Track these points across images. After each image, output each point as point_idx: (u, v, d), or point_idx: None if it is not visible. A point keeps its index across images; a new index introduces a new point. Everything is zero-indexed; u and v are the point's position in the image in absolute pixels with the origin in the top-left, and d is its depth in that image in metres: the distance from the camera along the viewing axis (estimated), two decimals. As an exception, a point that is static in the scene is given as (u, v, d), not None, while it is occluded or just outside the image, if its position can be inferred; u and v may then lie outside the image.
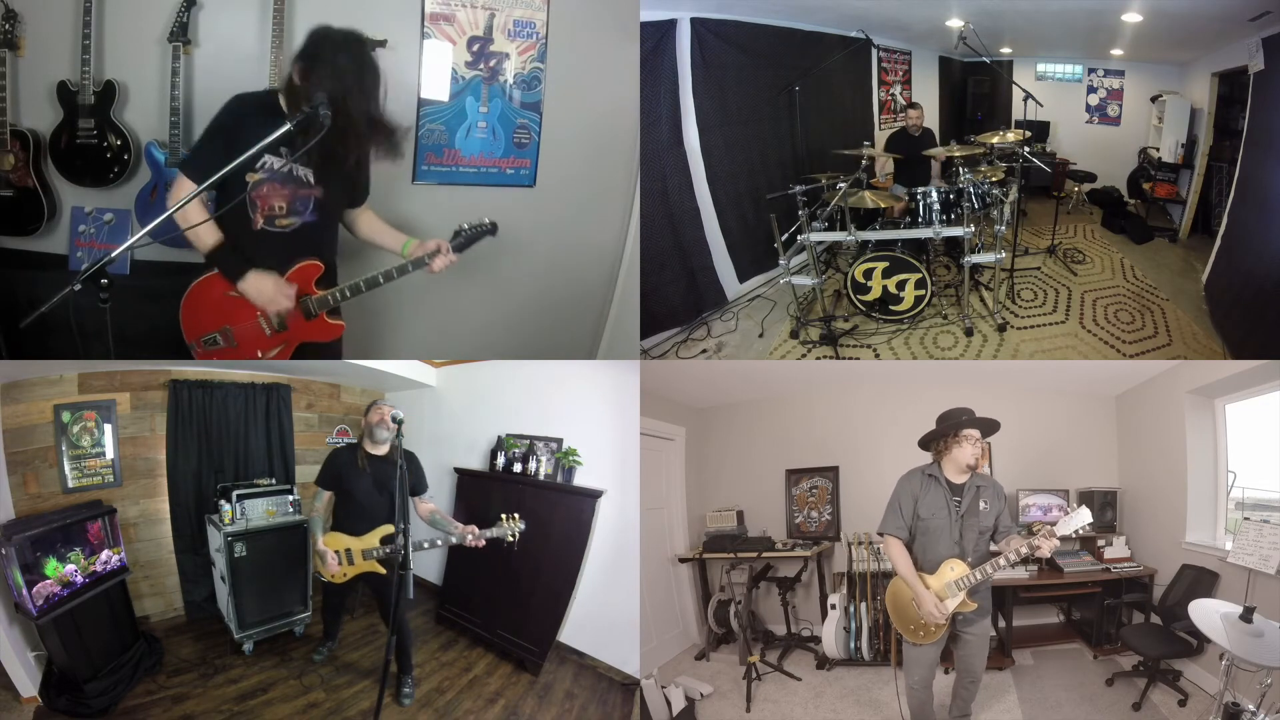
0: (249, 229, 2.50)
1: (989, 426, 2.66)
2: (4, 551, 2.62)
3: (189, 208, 2.30)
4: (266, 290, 2.49)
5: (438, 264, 2.64)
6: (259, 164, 2.42)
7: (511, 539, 3.08)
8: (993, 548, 2.68)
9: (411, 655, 3.26)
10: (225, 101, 2.46)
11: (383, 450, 3.19)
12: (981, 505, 2.63)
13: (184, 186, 2.43)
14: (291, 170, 2.49)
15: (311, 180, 2.53)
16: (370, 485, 3.12)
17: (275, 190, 2.49)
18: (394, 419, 2.79)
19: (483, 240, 2.71)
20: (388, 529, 3.07)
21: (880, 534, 2.76)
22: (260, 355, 2.65)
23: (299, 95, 2.32)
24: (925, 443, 2.76)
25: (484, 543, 3.03)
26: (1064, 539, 2.46)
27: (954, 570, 2.58)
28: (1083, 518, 2.43)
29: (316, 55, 2.32)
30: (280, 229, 2.54)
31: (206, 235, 2.43)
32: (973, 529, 2.62)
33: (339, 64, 2.31)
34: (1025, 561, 3.89)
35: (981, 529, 2.63)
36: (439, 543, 3.09)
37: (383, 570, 3.08)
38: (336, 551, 3.10)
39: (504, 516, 3.09)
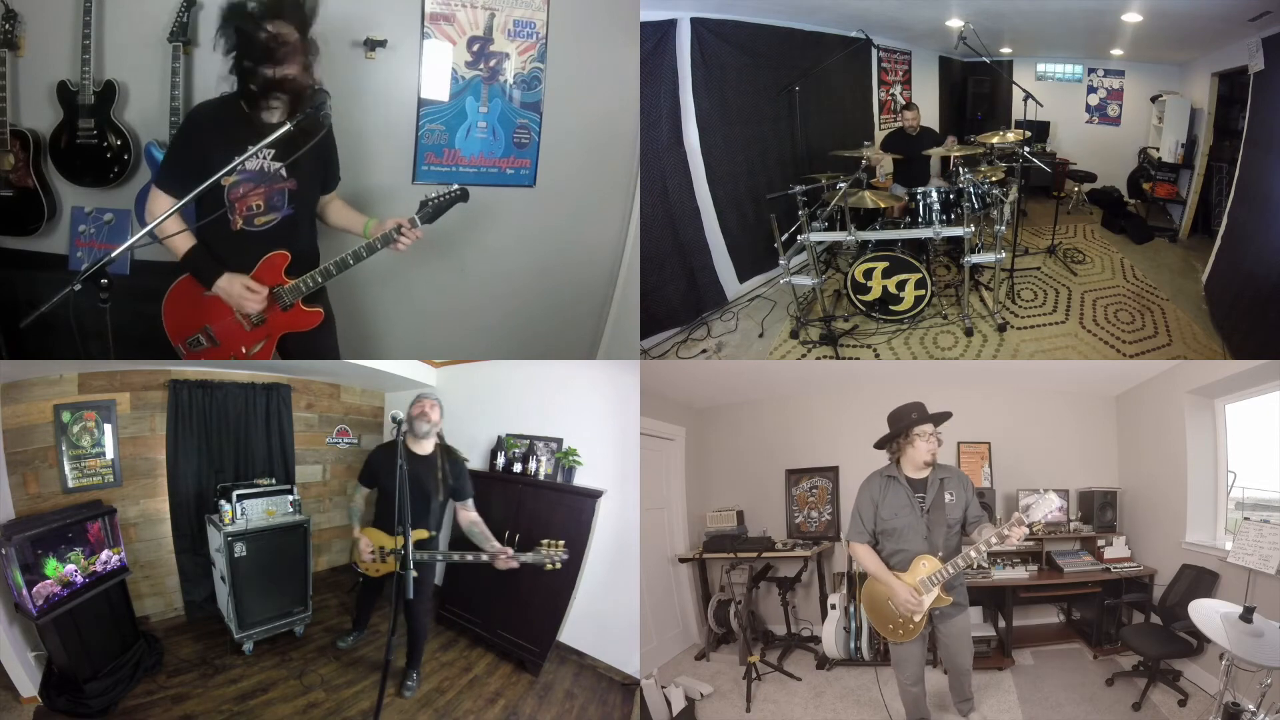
0: (228, 230, 2.50)
1: (939, 419, 2.66)
2: (4, 551, 2.62)
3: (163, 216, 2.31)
4: (235, 292, 2.49)
5: (403, 242, 2.61)
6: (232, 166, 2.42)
7: (551, 567, 3.00)
8: (965, 540, 2.67)
9: (422, 651, 3.29)
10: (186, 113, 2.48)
11: (424, 449, 3.17)
12: (947, 498, 2.63)
13: (159, 200, 2.45)
14: (264, 167, 2.49)
15: (285, 173, 2.53)
16: (406, 485, 3.10)
17: (251, 190, 2.49)
18: (393, 419, 2.78)
19: (454, 208, 2.66)
20: (420, 534, 3.04)
21: (846, 541, 2.77)
22: (244, 351, 2.64)
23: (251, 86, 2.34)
24: (881, 445, 2.77)
25: (517, 564, 2.98)
26: (1033, 525, 2.45)
27: (926, 566, 2.58)
28: (1050, 503, 2.44)
29: (226, 29, 2.33)
30: (259, 227, 2.54)
31: (180, 242, 2.44)
32: (940, 524, 2.61)
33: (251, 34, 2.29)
34: (1023, 560, 3.93)
35: (950, 522, 2.62)
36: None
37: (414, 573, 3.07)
38: (374, 549, 3.19)
39: (546, 543, 3.02)
